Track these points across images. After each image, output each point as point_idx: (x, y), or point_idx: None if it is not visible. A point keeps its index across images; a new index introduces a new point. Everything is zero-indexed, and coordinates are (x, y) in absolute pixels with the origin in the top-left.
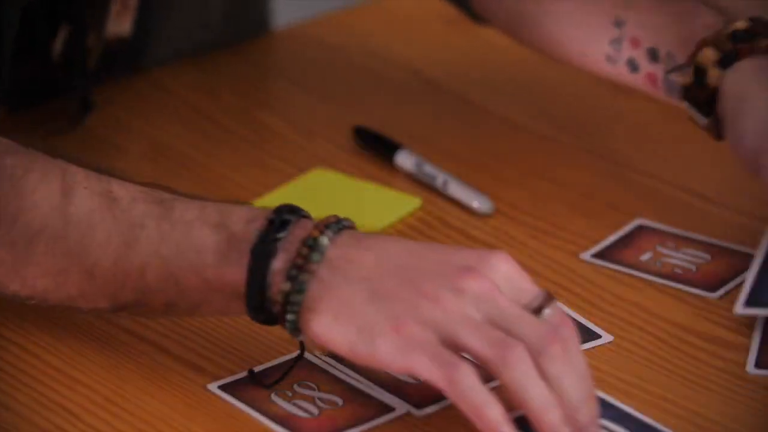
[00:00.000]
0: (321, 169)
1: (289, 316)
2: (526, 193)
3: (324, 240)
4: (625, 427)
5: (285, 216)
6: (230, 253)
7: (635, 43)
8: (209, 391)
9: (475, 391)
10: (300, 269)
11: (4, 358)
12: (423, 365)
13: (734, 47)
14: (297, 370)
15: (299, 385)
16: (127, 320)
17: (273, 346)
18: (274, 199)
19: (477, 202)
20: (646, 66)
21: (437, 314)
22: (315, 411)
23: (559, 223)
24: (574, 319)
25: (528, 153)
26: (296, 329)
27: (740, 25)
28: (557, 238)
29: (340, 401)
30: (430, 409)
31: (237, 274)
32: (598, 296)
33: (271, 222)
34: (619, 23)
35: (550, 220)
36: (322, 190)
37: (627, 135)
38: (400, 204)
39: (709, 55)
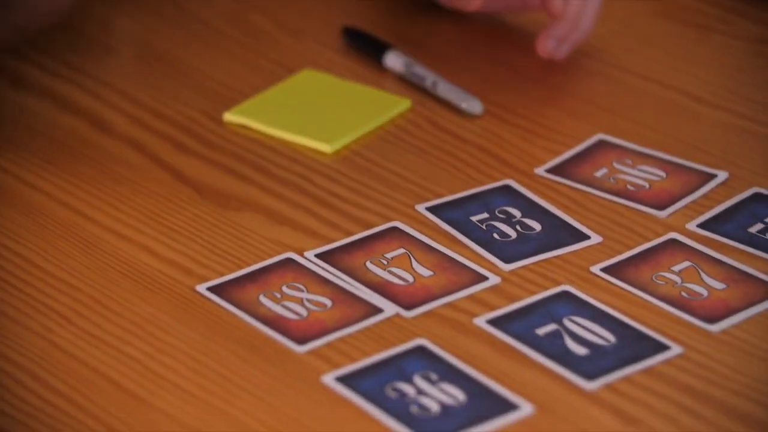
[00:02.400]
0: (310, 69)
1: None
2: (517, 95)
3: None
4: (606, 327)
5: None
6: None
7: None
8: (198, 292)
9: None
10: None
11: None
12: None
13: None
14: (285, 271)
15: (288, 286)
16: (114, 222)
17: (261, 247)
18: (263, 99)
19: (466, 104)
20: None
21: None
22: (304, 312)
23: (549, 125)
24: (563, 220)
25: (518, 55)
26: None
27: None
28: (547, 140)
29: (328, 303)
30: (418, 311)
31: None
32: (586, 197)
33: None
34: None
35: (540, 122)
36: (311, 91)
37: (619, 34)
38: (390, 105)
39: None
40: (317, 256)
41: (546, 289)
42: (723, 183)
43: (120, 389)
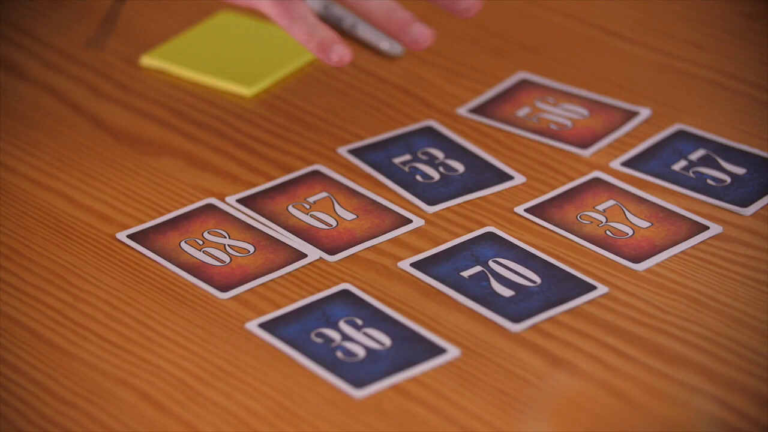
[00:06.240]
0: (226, 11)
1: None
2: (436, 34)
3: None
4: (531, 268)
5: None
6: None
7: None
8: (118, 240)
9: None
10: None
11: None
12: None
13: None
14: (207, 217)
15: (210, 233)
16: (31, 169)
17: (181, 193)
18: (180, 43)
19: (386, 43)
20: None
21: None
22: (226, 259)
23: (471, 64)
24: (486, 161)
25: None
26: None
27: None
28: (468, 79)
29: (251, 248)
30: (342, 255)
31: None
32: (509, 137)
33: None
34: None
35: (461, 62)
36: (228, 34)
37: None
38: None
39: None
40: (239, 201)
41: (470, 230)
42: (646, 120)
43: (40, 339)
